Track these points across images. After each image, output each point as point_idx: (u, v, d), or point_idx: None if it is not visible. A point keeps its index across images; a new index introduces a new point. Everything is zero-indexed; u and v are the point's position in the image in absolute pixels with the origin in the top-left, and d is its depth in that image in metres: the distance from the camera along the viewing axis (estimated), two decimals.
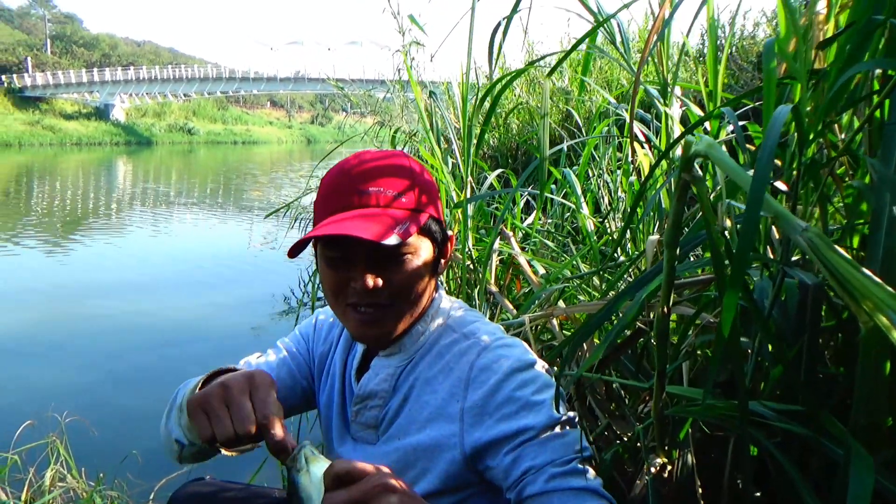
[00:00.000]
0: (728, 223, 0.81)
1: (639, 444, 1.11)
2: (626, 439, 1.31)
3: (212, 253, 8.08)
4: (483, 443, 0.97)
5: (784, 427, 0.78)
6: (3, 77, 48.17)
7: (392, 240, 0.95)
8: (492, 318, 1.92)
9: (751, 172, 0.59)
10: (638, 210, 1.55)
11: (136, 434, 3.22)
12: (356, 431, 1.13)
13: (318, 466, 0.76)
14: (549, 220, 2.94)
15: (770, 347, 0.89)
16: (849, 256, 0.57)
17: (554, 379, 1.02)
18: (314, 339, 1.25)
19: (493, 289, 1.85)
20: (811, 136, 0.79)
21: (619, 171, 2.58)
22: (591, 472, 0.95)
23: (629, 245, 1.88)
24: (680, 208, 0.69)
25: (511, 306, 1.81)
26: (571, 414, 0.99)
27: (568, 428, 0.97)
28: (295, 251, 1.01)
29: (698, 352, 1.22)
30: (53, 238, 8.85)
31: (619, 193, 2.59)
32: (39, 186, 14.61)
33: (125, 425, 3.39)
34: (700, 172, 0.66)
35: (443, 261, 1.12)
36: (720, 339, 0.61)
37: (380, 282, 1.00)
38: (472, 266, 1.99)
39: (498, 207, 2.83)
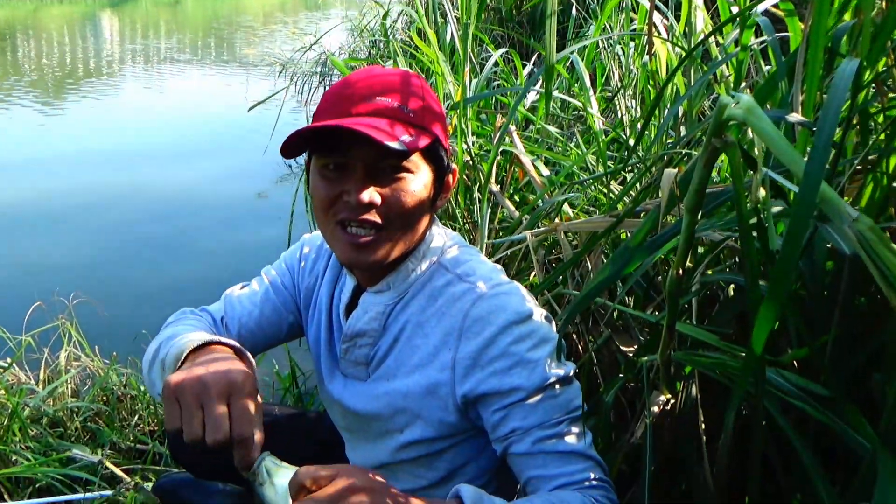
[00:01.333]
0: (762, 193, 0.70)
1: (641, 380, 1.07)
2: (629, 355, 1.28)
3: (209, 115, 7.79)
4: (474, 395, 0.95)
5: (803, 407, 0.73)
6: None
7: (396, 145, 0.86)
8: (492, 218, 1.83)
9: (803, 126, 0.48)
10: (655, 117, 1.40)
11: (145, 312, 3.20)
12: (346, 368, 1.10)
13: (282, 476, 0.73)
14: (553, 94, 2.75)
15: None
16: None
17: (554, 329, 0.97)
18: (299, 272, 1.19)
19: (494, 188, 1.75)
20: (867, 79, 0.67)
21: (631, 44, 2.37)
22: (580, 434, 0.93)
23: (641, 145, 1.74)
24: (706, 174, 0.59)
25: (512, 207, 1.72)
26: (564, 371, 0.95)
27: (560, 387, 0.94)
28: (290, 150, 0.93)
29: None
30: (42, 102, 8.48)
31: (632, 67, 2.40)
32: (23, 43, 13.90)
33: (132, 303, 3.35)
34: (732, 137, 0.55)
35: (442, 196, 1.03)
36: (751, 355, 0.53)
37: (376, 197, 0.92)
38: (471, 162, 1.87)
39: (500, 85, 2.64)
